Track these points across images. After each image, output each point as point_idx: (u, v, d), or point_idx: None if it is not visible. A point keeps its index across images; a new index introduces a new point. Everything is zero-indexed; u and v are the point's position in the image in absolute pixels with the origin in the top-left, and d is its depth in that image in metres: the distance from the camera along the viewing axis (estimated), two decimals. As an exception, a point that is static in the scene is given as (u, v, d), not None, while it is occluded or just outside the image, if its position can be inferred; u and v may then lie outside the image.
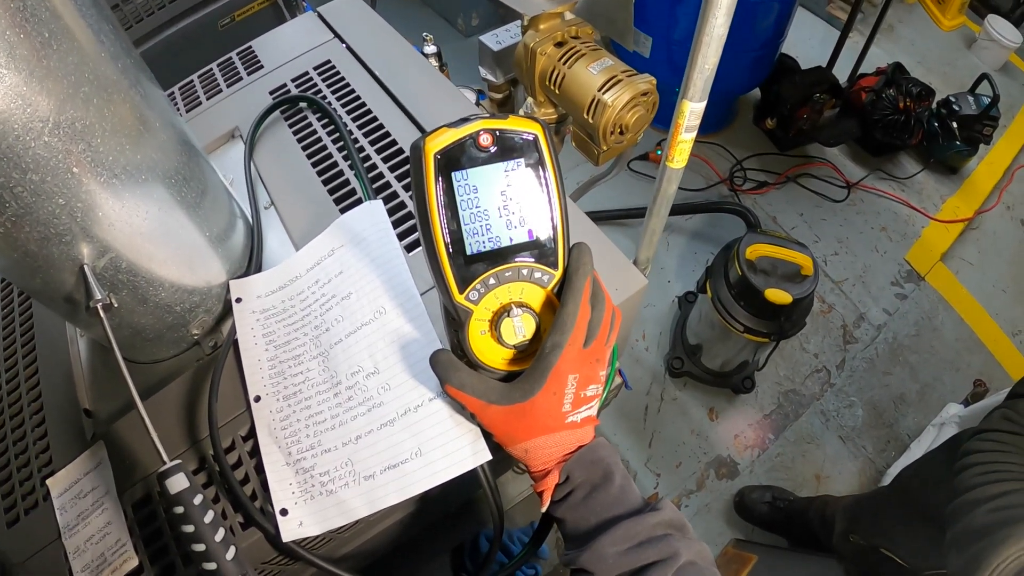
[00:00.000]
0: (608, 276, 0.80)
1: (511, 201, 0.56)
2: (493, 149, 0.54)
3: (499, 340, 0.59)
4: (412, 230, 0.84)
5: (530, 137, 0.55)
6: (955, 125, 2.58)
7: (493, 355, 0.60)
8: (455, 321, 0.59)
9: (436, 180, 0.54)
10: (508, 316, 0.57)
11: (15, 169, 0.57)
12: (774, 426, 2.14)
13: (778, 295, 1.66)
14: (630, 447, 2.11)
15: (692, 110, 0.89)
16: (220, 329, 0.86)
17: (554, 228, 0.57)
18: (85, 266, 0.67)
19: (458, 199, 0.55)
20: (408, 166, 0.88)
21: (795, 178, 2.70)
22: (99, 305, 0.67)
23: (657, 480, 2.05)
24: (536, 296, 0.59)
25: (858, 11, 2.62)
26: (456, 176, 0.54)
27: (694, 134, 0.93)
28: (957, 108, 2.59)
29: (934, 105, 2.65)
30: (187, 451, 0.78)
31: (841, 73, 2.72)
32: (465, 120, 0.55)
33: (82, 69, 0.59)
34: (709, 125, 2.85)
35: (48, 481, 0.84)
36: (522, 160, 0.55)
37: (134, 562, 0.74)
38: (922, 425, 2.10)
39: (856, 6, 2.59)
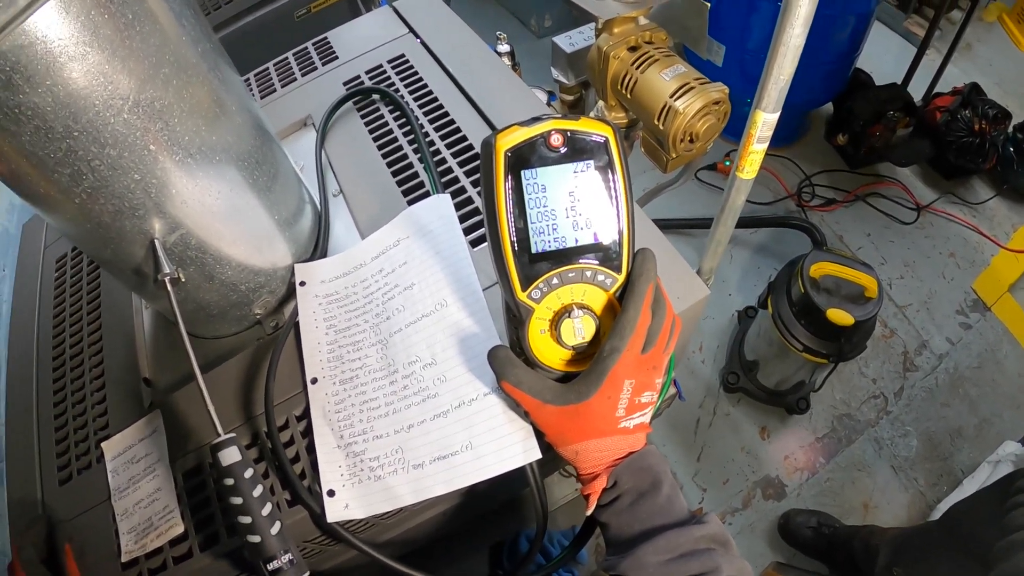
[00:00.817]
0: (671, 284, 0.79)
1: (579, 202, 0.56)
2: (563, 150, 0.54)
3: (558, 340, 0.59)
4: (477, 226, 0.84)
5: (601, 140, 0.55)
6: (1032, 151, 2.47)
7: (551, 355, 0.60)
8: (516, 318, 0.59)
9: (505, 177, 0.54)
10: (569, 317, 0.58)
11: (94, 143, 0.59)
12: (826, 450, 2.09)
13: (840, 316, 1.62)
14: (679, 459, 2.08)
15: (765, 121, 0.88)
16: (282, 311, 0.88)
17: (620, 232, 0.57)
18: (156, 240, 0.70)
19: (526, 197, 0.55)
20: (478, 162, 0.90)
21: (864, 197, 2.62)
22: (167, 279, 0.69)
23: (703, 495, 2.03)
24: (598, 299, 0.58)
25: (936, 28, 2.52)
26: (525, 175, 0.54)
27: (766, 145, 0.92)
28: (1036, 134, 2.48)
29: (1010, 129, 2.53)
30: (241, 426, 0.81)
31: (916, 91, 2.63)
32: (537, 119, 0.55)
33: (163, 51, 0.62)
34: (780, 138, 2.78)
35: (103, 444, 0.87)
36: (592, 162, 0.55)
37: (180, 528, 0.77)
38: (977, 461, 2.02)
39: (934, 23, 2.50)
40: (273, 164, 0.80)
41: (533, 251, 0.56)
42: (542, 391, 0.59)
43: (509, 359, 0.60)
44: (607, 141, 0.55)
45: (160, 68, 0.61)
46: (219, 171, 0.71)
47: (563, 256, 0.56)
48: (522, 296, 0.57)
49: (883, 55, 3.10)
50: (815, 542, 1.84)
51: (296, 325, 0.81)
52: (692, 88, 0.98)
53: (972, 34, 3.22)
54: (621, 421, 0.60)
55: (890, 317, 2.34)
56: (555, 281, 0.57)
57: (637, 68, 1.02)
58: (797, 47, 0.79)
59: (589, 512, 0.63)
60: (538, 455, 0.66)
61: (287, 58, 1.22)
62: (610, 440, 0.60)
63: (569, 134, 0.54)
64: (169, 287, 0.70)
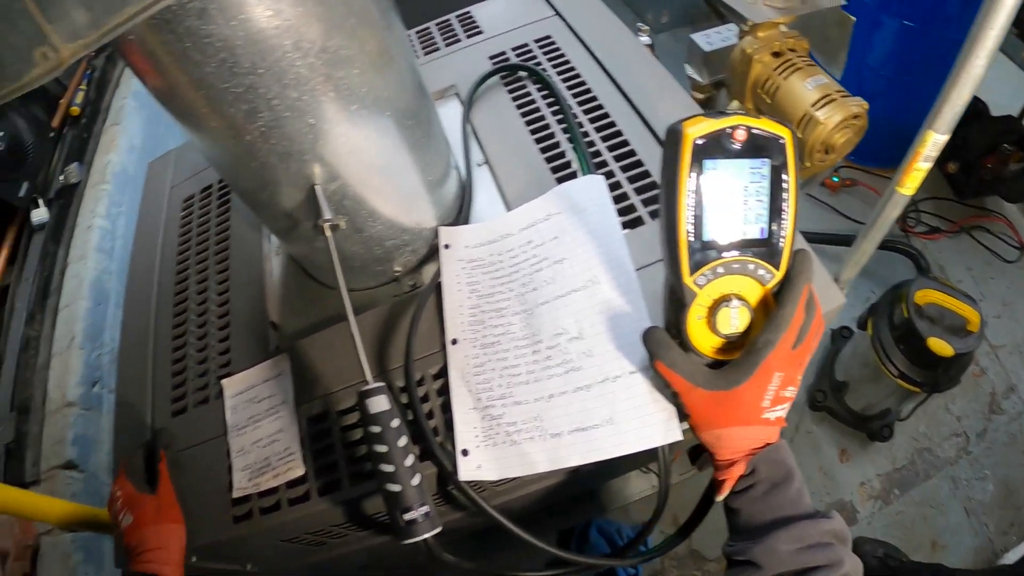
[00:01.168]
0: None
1: (751, 197, 0.58)
2: (745, 145, 0.56)
3: (713, 328, 0.61)
4: (627, 210, 0.85)
5: (780, 140, 0.56)
6: None
7: (703, 341, 0.62)
8: (678, 301, 0.61)
9: (691, 164, 0.56)
10: (727, 306, 0.59)
11: (276, 83, 0.61)
12: (902, 482, 2.04)
13: (941, 346, 1.58)
14: (756, 470, 2.06)
15: (935, 141, 0.86)
16: (420, 271, 0.90)
17: (784, 230, 0.59)
18: (317, 187, 0.72)
19: (705, 186, 0.56)
20: (626, 148, 0.91)
21: (969, 229, 2.53)
22: (327, 224, 0.71)
23: None
24: (754, 292, 0.60)
25: None
26: (707, 164, 0.56)
27: (931, 164, 0.90)
28: None
29: None
30: (375, 377, 0.82)
31: (1034, 126, 2.51)
32: (723, 113, 0.56)
33: (351, 2, 0.64)
34: (891, 158, 2.72)
35: (224, 381, 0.91)
36: (768, 160, 0.57)
37: (300, 471, 0.80)
38: (1050, 517, 1.94)
39: None
40: (428, 123, 0.82)
41: (704, 238, 0.58)
42: (694, 374, 0.61)
43: (665, 340, 0.62)
44: (785, 142, 0.56)
45: (348, 18, 0.63)
46: (383, 124, 0.73)
47: (730, 247, 0.59)
48: (688, 280, 0.59)
49: (1001, 85, 2.97)
50: (879, 573, 1.80)
51: (438, 286, 0.83)
52: (834, 100, 0.98)
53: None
54: (765, 412, 0.61)
55: (983, 355, 2.25)
56: (720, 270, 0.59)
57: (780, 74, 1.03)
58: (978, 76, 0.79)
59: (721, 497, 0.65)
60: (679, 436, 0.68)
61: (429, 28, 1.24)
62: (752, 429, 0.62)
63: (752, 131, 0.56)
64: (328, 232, 0.72)
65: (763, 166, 0.57)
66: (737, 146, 0.56)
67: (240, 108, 0.62)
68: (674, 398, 0.65)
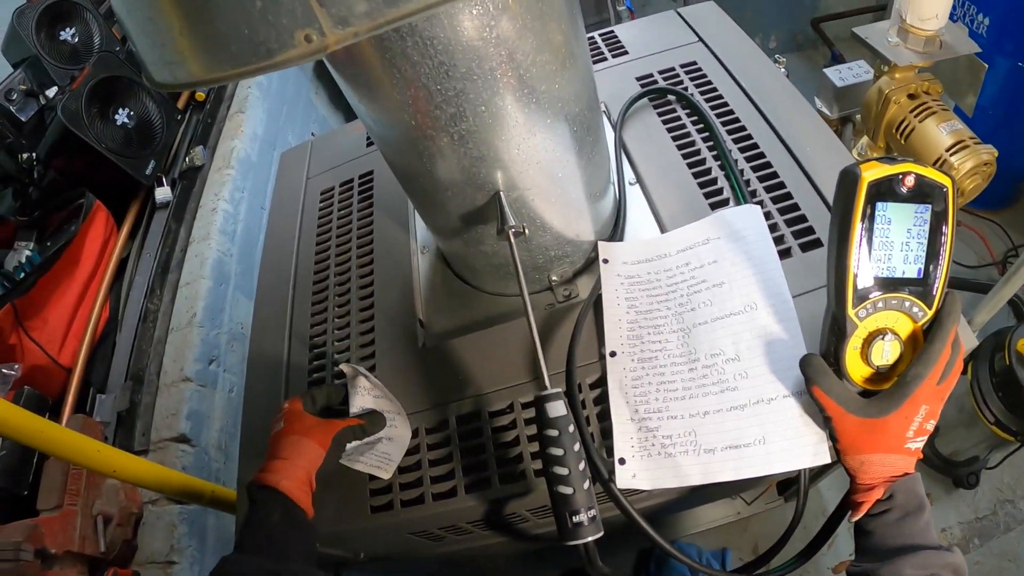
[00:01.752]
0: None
1: (913, 239, 0.64)
2: (912, 191, 0.62)
3: (866, 358, 0.66)
4: (776, 240, 0.87)
5: (943, 188, 0.62)
6: None
7: (855, 370, 0.67)
8: (839, 331, 0.66)
9: (865, 205, 0.62)
10: (881, 339, 0.65)
11: (487, 90, 0.64)
12: (982, 532, 2.00)
13: None
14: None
15: None
16: (576, 282, 0.94)
17: (940, 272, 0.64)
18: (501, 193, 0.75)
19: (875, 226, 0.63)
20: (776, 180, 0.94)
21: (1067, 281, 2.47)
22: (511, 231, 0.75)
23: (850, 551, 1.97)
24: (906, 327, 0.66)
25: None
26: (879, 206, 0.62)
27: None
28: None
29: None
30: (530, 382, 0.87)
31: None
32: (893, 160, 0.62)
33: (561, 21, 0.67)
34: (991, 200, 2.63)
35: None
36: (931, 206, 0.63)
37: (387, 476, 0.86)
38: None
39: None
40: (597, 134, 0.85)
41: (869, 275, 0.64)
42: (847, 401, 0.65)
43: (822, 367, 0.67)
44: (947, 191, 0.63)
45: (556, 34, 0.66)
46: (566, 134, 0.76)
47: (890, 284, 0.64)
48: (851, 313, 0.64)
49: None
50: None
51: (598, 298, 0.87)
52: (968, 147, 1.00)
53: None
54: (908, 442, 0.66)
55: (1075, 411, 2.20)
56: (880, 305, 0.65)
57: (916, 116, 1.06)
58: None
59: (856, 518, 0.69)
60: (827, 459, 0.71)
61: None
62: (894, 457, 0.66)
63: (919, 177, 0.62)
64: (512, 239, 0.75)
65: (926, 211, 0.63)
66: (905, 191, 0.62)
67: (446, 110, 0.65)
68: (826, 423, 0.68)
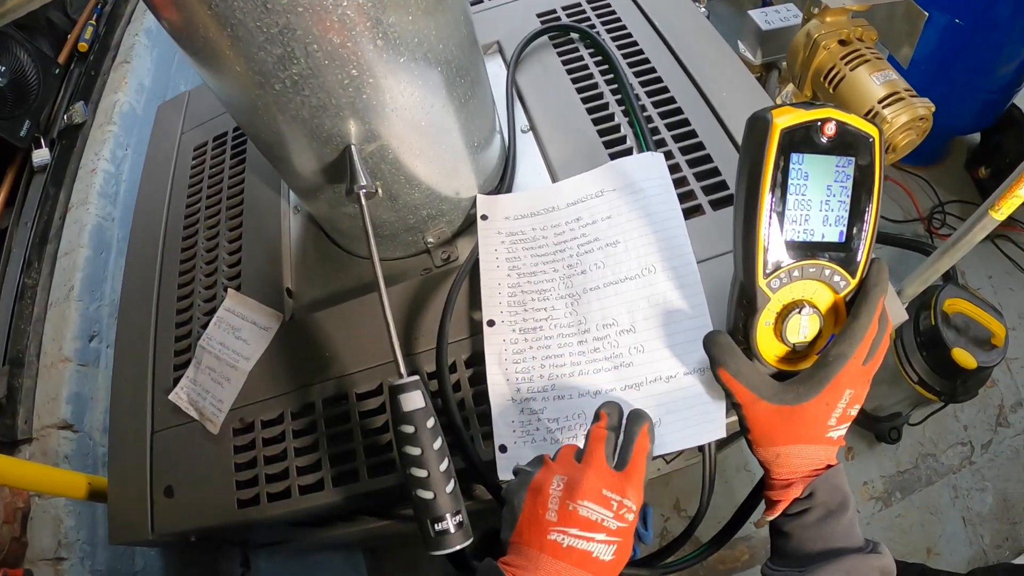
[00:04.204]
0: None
1: (834, 198, 0.55)
2: (833, 140, 0.54)
3: (780, 335, 0.58)
4: (685, 196, 0.78)
5: (869, 139, 0.54)
6: None
7: (768, 349, 0.60)
8: (748, 305, 0.58)
9: (778, 156, 0.53)
10: (798, 313, 0.57)
11: (317, 25, 0.54)
12: (904, 485, 2.06)
13: (965, 357, 1.57)
14: (756, 467, 2.05)
15: None
16: (455, 243, 0.85)
17: (865, 236, 0.57)
18: (352, 147, 0.65)
19: (790, 181, 0.54)
20: (686, 128, 0.86)
21: (993, 238, 2.48)
22: (362, 191, 0.65)
23: None
24: (826, 299, 0.58)
25: None
26: (794, 158, 0.53)
27: None
28: None
29: None
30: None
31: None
32: (812, 104, 0.54)
33: None
34: (920, 156, 2.66)
35: (230, 291, 0.90)
36: (855, 160, 0.55)
37: (214, 430, 0.82)
38: (1045, 534, 1.97)
39: None
40: (476, 79, 0.75)
41: (783, 239, 0.55)
42: (760, 386, 0.58)
43: (730, 346, 0.59)
44: (873, 141, 0.54)
45: None
46: (431, 78, 0.66)
47: (808, 249, 0.56)
48: (762, 283, 0.56)
49: (1037, 96, 2.95)
50: None
51: (476, 262, 0.76)
52: (903, 99, 0.95)
53: None
54: (830, 431, 0.59)
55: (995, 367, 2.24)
56: (795, 273, 0.56)
57: (847, 64, 1.00)
58: None
59: (771, 518, 0.62)
60: (722, 434, 0.64)
61: (474, -24, 1.16)
62: (815, 448, 0.59)
63: (843, 125, 0.53)
64: (363, 200, 0.65)
65: (849, 165, 0.55)
66: (825, 141, 0.54)
67: (272, 52, 0.55)
68: (735, 409, 0.60)
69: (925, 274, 1.05)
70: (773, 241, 0.55)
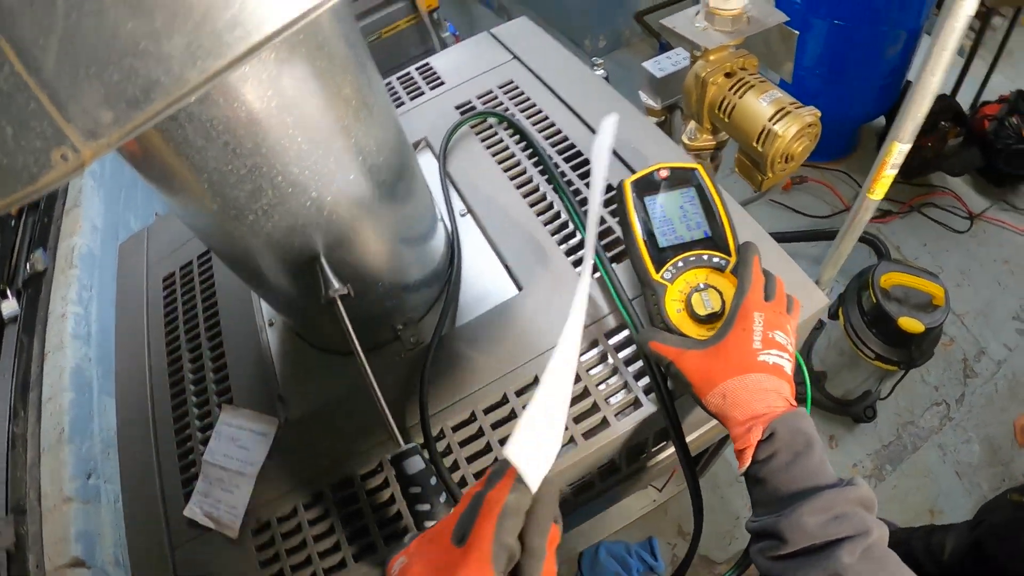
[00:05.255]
0: (791, 293, 0.82)
1: (689, 212, 0.80)
2: (670, 179, 0.82)
3: (692, 314, 0.73)
4: (613, 244, 0.89)
5: (695, 171, 0.82)
6: (1078, 155, 2.47)
7: (688, 328, 0.73)
8: (653, 295, 0.75)
9: (635, 201, 0.80)
10: (697, 291, 0.73)
11: (279, 160, 0.61)
12: (892, 457, 2.11)
13: (911, 323, 1.66)
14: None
15: (900, 150, 0.92)
16: (420, 325, 0.92)
17: (722, 226, 0.77)
18: (321, 258, 0.72)
19: (650, 211, 0.80)
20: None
21: (919, 208, 2.65)
22: (337, 295, 0.71)
23: None
24: (716, 277, 0.75)
25: (983, 37, 2.55)
26: (646, 199, 0.81)
27: (896, 170, 0.95)
28: (1081, 138, 2.46)
29: None
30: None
31: (964, 101, 2.66)
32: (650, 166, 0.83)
33: (345, 78, 0.64)
34: (834, 150, 2.81)
35: (225, 405, 0.94)
36: (692, 186, 0.82)
37: (233, 535, 0.84)
38: (1038, 463, 2.02)
39: (981, 32, 2.53)
40: (413, 177, 0.83)
41: (660, 245, 0.77)
42: (683, 343, 0.69)
43: (652, 328, 0.74)
44: (698, 172, 0.82)
45: (344, 87, 0.63)
46: (378, 185, 0.73)
47: (683, 247, 0.77)
48: (656, 276, 0.75)
49: (930, 66, 3.10)
50: None
51: (442, 339, 0.84)
52: (789, 112, 1.03)
53: (1015, 41, 3.21)
54: (759, 354, 0.65)
55: (949, 325, 2.35)
56: (680, 264, 0.76)
57: (735, 93, 1.07)
58: (935, 91, 0.86)
59: (743, 470, 0.64)
60: None
61: (391, 82, 1.27)
62: (753, 377, 0.64)
63: (671, 170, 0.82)
64: (340, 304, 0.72)
65: (689, 191, 0.81)
66: (664, 182, 0.82)
67: (244, 189, 0.61)
68: (669, 369, 0.69)
69: (832, 259, 1.15)
70: (651, 248, 0.77)
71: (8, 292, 1.86)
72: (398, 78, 1.27)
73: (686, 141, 1.22)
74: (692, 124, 1.24)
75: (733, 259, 0.75)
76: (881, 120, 2.74)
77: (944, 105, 2.54)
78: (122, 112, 0.39)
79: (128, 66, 0.39)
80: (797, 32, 1.11)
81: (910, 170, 2.62)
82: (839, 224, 2.53)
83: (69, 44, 0.38)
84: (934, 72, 0.84)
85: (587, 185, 0.96)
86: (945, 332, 2.32)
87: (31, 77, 0.38)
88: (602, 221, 0.93)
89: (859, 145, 2.88)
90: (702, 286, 0.73)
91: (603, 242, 0.91)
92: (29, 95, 0.38)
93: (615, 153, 0.98)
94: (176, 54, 0.39)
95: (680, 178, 0.82)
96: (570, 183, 0.96)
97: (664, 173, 0.82)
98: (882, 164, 0.95)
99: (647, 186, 0.81)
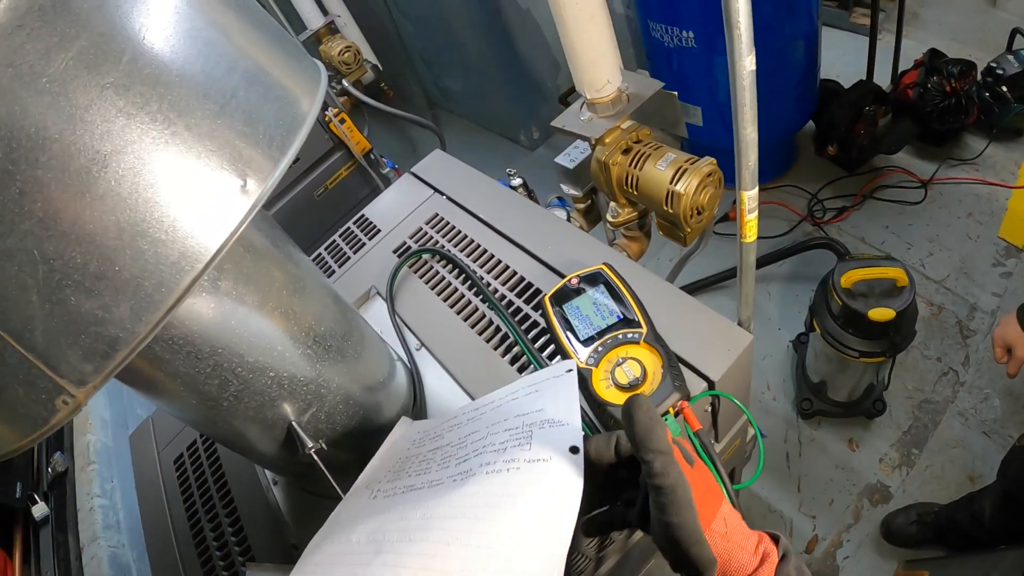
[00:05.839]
0: (714, 342, 0.91)
1: (601, 304, 0.94)
2: (581, 284, 0.97)
3: (617, 385, 0.84)
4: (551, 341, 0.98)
5: (601, 272, 0.97)
6: (1005, 89, 2.54)
7: (617, 398, 0.83)
8: (583, 382, 0.84)
9: (553, 309, 0.96)
10: (619, 364, 0.85)
11: (234, 355, 0.72)
12: (916, 440, 2.10)
13: (882, 313, 1.69)
14: (780, 497, 2.12)
15: (749, 196, 0.99)
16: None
17: (631, 306, 0.91)
18: (293, 423, 0.82)
19: (568, 313, 0.94)
20: (535, 293, 1.07)
21: (871, 194, 2.70)
22: (312, 451, 0.81)
23: (814, 523, 2.02)
24: (636, 349, 0.87)
25: (879, 10, 2.63)
26: (565, 305, 0.96)
27: (756, 213, 1.02)
28: (1001, 71, 2.55)
29: (979, 77, 2.62)
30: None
31: (883, 78, 2.74)
32: (562, 277, 1.00)
33: (277, 277, 0.76)
34: (775, 168, 2.88)
35: (249, 564, 0.98)
36: (600, 283, 0.96)
37: None
38: (1060, 395, 1.98)
39: (875, 6, 2.61)
40: (357, 332, 0.92)
41: (581, 338, 0.90)
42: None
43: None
44: (604, 271, 0.97)
45: (273, 282, 0.75)
46: (332, 352, 0.83)
47: (601, 334, 0.90)
48: (581, 364, 0.87)
49: (842, 57, 3.23)
50: (922, 535, 1.84)
51: None
52: (686, 170, 1.08)
53: (914, 2, 3.33)
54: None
55: (932, 294, 2.38)
56: (600, 349, 0.88)
57: (635, 167, 1.14)
58: (753, 140, 0.93)
59: None
60: None
61: (335, 241, 1.38)
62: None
63: (581, 276, 0.97)
64: (316, 458, 0.81)
65: (599, 288, 0.95)
66: (576, 287, 0.97)
67: (212, 383, 0.72)
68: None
69: (743, 300, 1.18)
70: (574, 343, 0.90)
71: (36, 496, 1.93)
72: (340, 235, 1.38)
73: (610, 219, 1.29)
74: (612, 203, 1.31)
75: (644, 329, 0.88)
76: (810, 124, 2.81)
77: (864, 90, 2.63)
78: (98, 363, 0.52)
79: (94, 332, 0.52)
80: (676, 93, 1.18)
81: (851, 162, 2.71)
82: (801, 237, 2.58)
83: (50, 325, 0.51)
84: (745, 127, 0.92)
85: (515, 294, 1.07)
86: (932, 303, 2.36)
87: (28, 353, 0.51)
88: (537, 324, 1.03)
89: (798, 153, 2.95)
90: (621, 360, 0.85)
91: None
92: (30, 365, 0.51)
93: (544, 262, 1.09)
94: (126, 316, 0.52)
95: (589, 280, 0.97)
96: (502, 297, 1.07)
97: (575, 281, 0.97)
98: (741, 213, 1.03)
99: (563, 295, 0.96)
